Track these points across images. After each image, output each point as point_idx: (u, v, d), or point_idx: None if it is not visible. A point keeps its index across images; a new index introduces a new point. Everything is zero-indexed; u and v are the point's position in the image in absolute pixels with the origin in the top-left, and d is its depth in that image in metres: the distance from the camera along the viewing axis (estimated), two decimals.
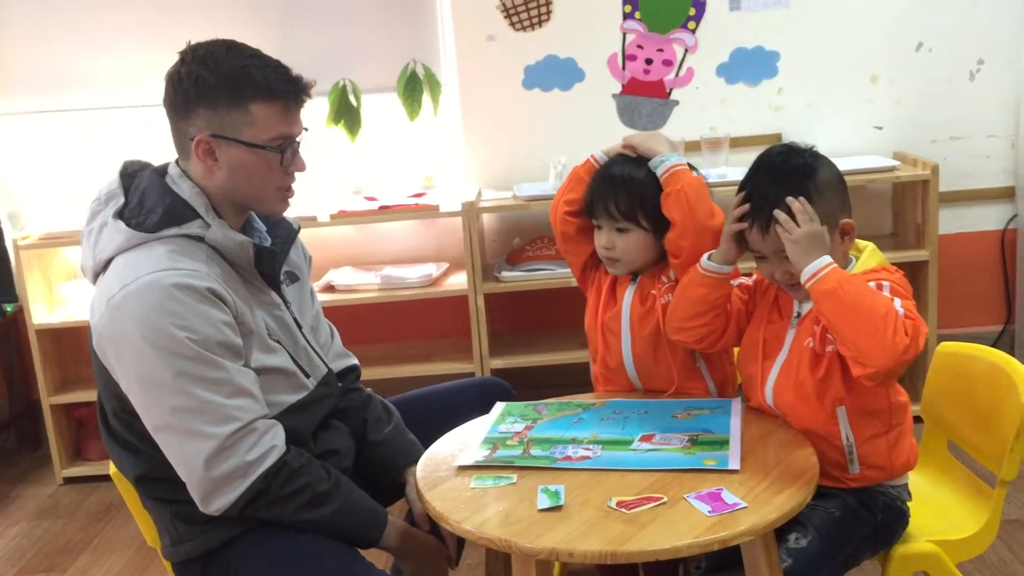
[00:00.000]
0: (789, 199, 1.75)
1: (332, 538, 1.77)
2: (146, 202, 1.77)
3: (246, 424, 1.70)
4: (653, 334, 2.04)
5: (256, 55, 1.77)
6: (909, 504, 1.88)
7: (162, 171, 1.83)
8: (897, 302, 1.68)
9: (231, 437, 1.68)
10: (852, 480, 1.82)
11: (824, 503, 1.79)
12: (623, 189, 1.99)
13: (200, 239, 1.76)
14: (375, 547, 1.85)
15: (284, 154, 1.78)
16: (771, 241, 1.78)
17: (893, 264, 1.84)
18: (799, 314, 1.85)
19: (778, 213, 1.74)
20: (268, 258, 1.84)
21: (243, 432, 1.69)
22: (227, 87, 1.73)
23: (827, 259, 1.70)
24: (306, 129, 1.84)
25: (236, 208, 1.83)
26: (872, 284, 1.73)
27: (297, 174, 1.85)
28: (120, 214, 1.77)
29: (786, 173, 1.79)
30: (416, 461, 1.89)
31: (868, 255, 1.84)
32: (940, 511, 1.97)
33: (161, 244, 1.73)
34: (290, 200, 1.87)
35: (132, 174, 1.84)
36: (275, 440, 1.73)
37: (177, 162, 1.83)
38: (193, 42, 1.79)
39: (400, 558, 1.90)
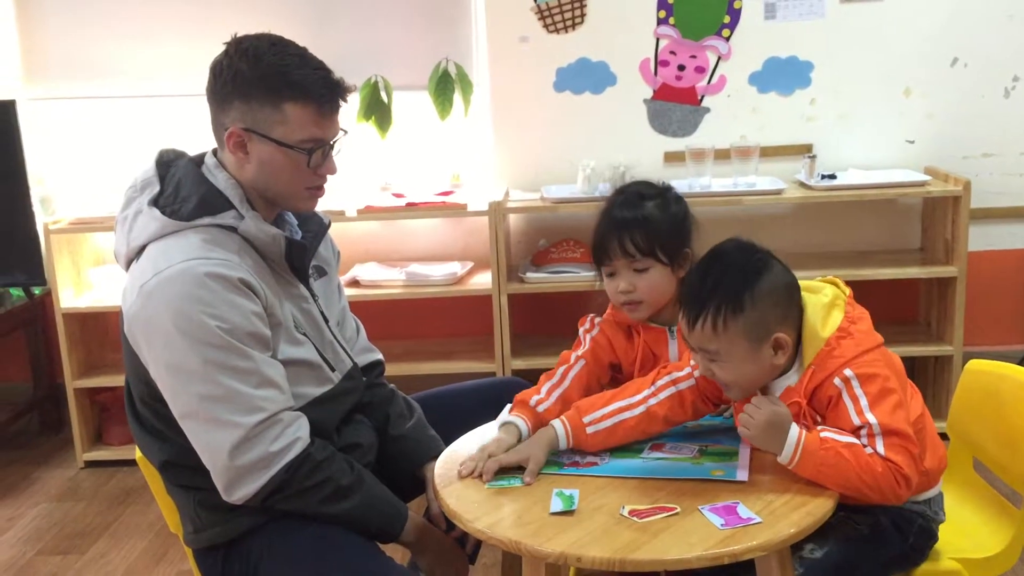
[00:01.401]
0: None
1: (352, 532, 1.78)
2: (181, 191, 1.78)
3: (272, 415, 1.71)
4: None
5: (299, 54, 1.77)
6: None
7: (198, 161, 1.85)
8: (879, 443, 1.60)
9: (256, 427, 1.69)
10: None
11: (856, 517, 1.75)
12: (637, 227, 1.93)
13: (233, 230, 1.77)
14: (394, 542, 1.86)
15: (312, 156, 1.78)
16: (694, 337, 1.69)
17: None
18: None
19: (740, 420, 1.66)
20: (299, 251, 1.85)
21: (268, 422, 1.70)
22: (264, 83, 1.73)
23: (792, 439, 1.60)
24: (344, 131, 1.85)
25: (266, 201, 1.85)
26: (837, 381, 1.65)
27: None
28: (155, 202, 1.78)
29: (728, 273, 1.68)
30: (436, 457, 1.90)
31: (816, 321, 1.70)
32: (964, 529, 1.95)
33: (195, 233, 1.75)
34: (319, 198, 1.88)
35: (168, 163, 1.85)
36: (299, 432, 1.74)
37: (215, 152, 1.85)
38: (240, 34, 1.80)
39: (417, 554, 1.91)
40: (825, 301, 1.73)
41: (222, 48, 1.79)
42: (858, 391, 1.65)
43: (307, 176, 1.81)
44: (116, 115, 3.69)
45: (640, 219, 1.94)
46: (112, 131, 3.70)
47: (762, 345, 1.67)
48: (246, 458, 1.69)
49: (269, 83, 1.74)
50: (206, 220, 1.76)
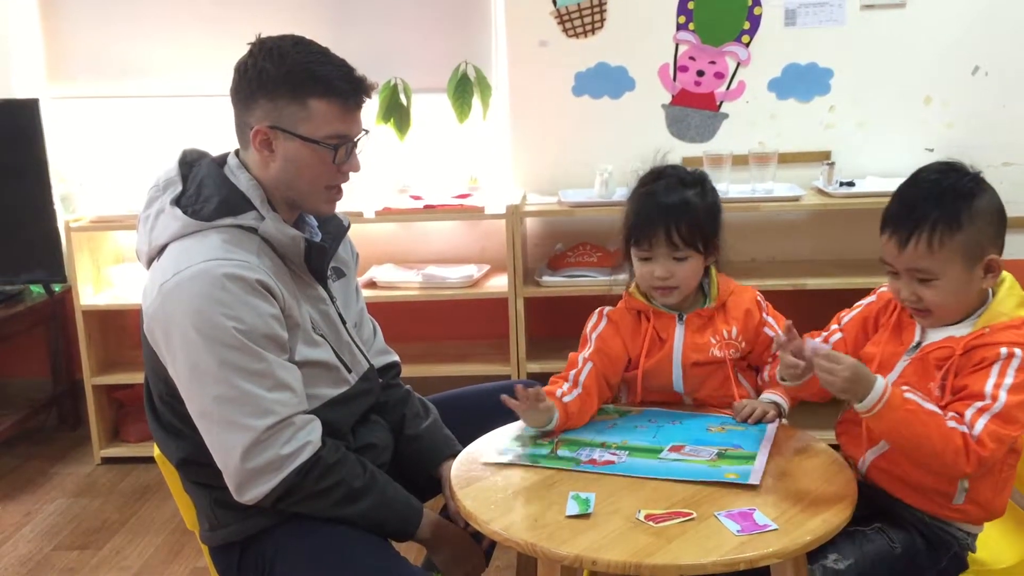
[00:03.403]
0: (814, 347, 1.67)
1: (367, 531, 1.79)
2: (203, 191, 1.80)
3: (284, 418, 1.72)
4: (706, 367, 2.03)
5: (322, 52, 1.80)
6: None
7: (221, 161, 1.86)
8: (982, 420, 1.60)
9: (268, 431, 1.70)
10: (952, 512, 1.75)
11: (893, 532, 1.74)
12: (683, 217, 1.96)
13: (253, 230, 1.78)
14: (410, 540, 1.87)
15: (337, 152, 1.80)
16: (906, 257, 1.69)
17: None
18: (918, 344, 1.77)
19: (818, 361, 1.65)
20: (318, 253, 1.86)
21: (280, 426, 1.71)
22: (288, 81, 1.75)
23: (877, 392, 1.61)
24: (366, 131, 1.86)
25: (288, 203, 1.86)
26: (1003, 351, 1.64)
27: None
28: (177, 201, 1.80)
29: (943, 190, 1.68)
30: (453, 456, 1.91)
31: (1007, 294, 1.73)
32: (981, 540, 1.93)
33: (216, 233, 1.76)
34: (338, 201, 1.89)
35: (191, 163, 1.87)
36: (311, 436, 1.75)
37: (237, 153, 1.86)
38: (263, 35, 1.81)
39: (433, 550, 1.92)
40: (1019, 290, 1.75)
41: (244, 49, 1.81)
42: (1011, 370, 1.64)
43: (331, 173, 1.82)
44: (138, 114, 3.72)
45: (684, 209, 1.97)
46: (134, 130, 3.72)
47: (975, 266, 1.68)
48: (257, 461, 1.70)
49: (294, 80, 1.75)
50: (227, 220, 1.77)
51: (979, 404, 1.62)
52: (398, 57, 3.60)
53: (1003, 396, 1.62)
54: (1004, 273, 1.77)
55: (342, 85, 1.78)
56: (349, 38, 3.57)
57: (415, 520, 1.86)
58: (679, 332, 2.03)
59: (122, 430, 3.64)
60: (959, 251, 1.66)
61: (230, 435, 1.70)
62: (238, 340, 1.69)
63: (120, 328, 3.67)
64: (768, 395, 2.00)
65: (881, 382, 1.63)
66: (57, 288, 3.71)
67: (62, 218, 3.49)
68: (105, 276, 3.58)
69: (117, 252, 3.68)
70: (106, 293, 3.56)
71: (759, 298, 2.11)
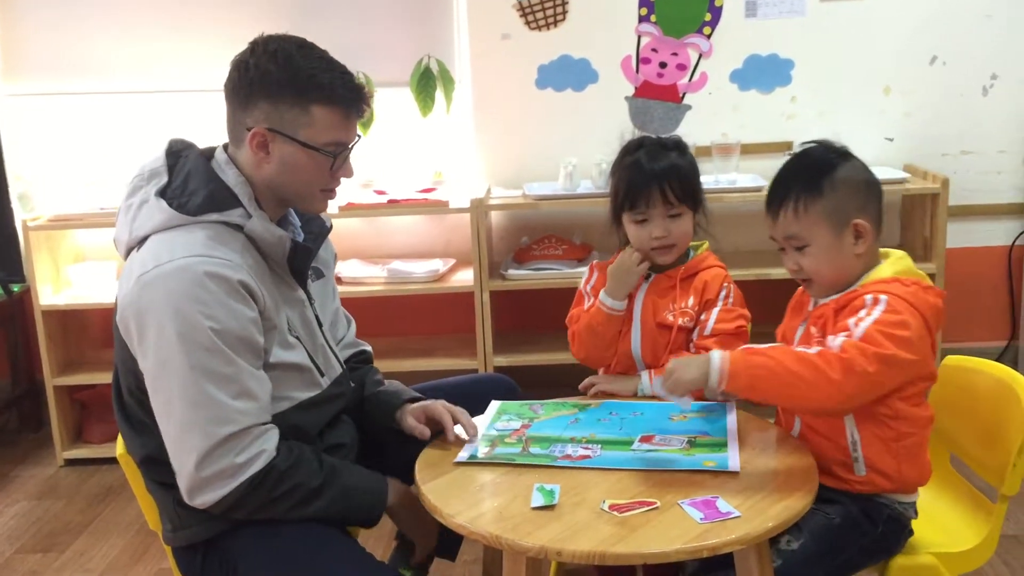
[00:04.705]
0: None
1: (332, 528, 1.78)
2: (190, 184, 1.77)
3: (243, 428, 1.69)
4: (664, 331, 2.11)
5: (324, 58, 1.78)
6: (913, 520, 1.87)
7: (208, 154, 1.83)
8: (840, 338, 1.67)
9: (225, 439, 1.67)
10: (859, 483, 1.81)
11: (826, 508, 1.78)
12: (674, 175, 2.07)
13: (239, 228, 1.76)
14: (377, 523, 1.87)
15: (335, 159, 1.79)
16: (780, 227, 1.82)
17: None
18: (811, 311, 1.88)
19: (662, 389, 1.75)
20: (303, 254, 1.85)
21: (238, 436, 1.69)
22: (292, 86, 1.73)
23: (715, 360, 1.68)
24: (359, 136, 1.85)
25: (278, 201, 1.84)
26: (868, 297, 1.73)
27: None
28: (162, 193, 1.77)
29: (806, 164, 1.84)
30: (413, 400, 1.97)
31: (888, 264, 1.83)
32: (940, 524, 1.97)
33: (200, 228, 1.73)
34: (331, 199, 1.88)
35: (176, 153, 1.84)
36: (266, 444, 1.72)
37: (226, 148, 1.83)
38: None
39: (398, 519, 1.91)
40: (908, 263, 1.83)
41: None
42: (876, 311, 1.71)
43: (326, 178, 1.81)
44: (96, 111, 3.66)
45: (672, 168, 2.09)
46: (91, 128, 3.67)
47: (843, 231, 1.78)
48: (211, 469, 1.68)
49: (298, 86, 1.74)
50: (213, 216, 1.74)
51: (844, 334, 1.70)
52: (360, 51, 3.57)
53: (864, 325, 1.69)
54: (898, 252, 1.85)
55: (346, 94, 1.77)
56: (310, 32, 3.44)
57: (379, 505, 1.85)
58: (643, 290, 2.15)
59: (85, 430, 3.60)
60: (823, 216, 1.78)
61: (188, 438, 1.68)
62: (212, 341, 1.66)
63: (81, 328, 3.62)
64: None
65: (714, 352, 1.71)
66: (16, 288, 3.66)
67: (19, 217, 3.44)
68: (64, 276, 3.54)
69: (77, 251, 3.64)
70: (65, 293, 3.51)
71: (726, 283, 2.15)
